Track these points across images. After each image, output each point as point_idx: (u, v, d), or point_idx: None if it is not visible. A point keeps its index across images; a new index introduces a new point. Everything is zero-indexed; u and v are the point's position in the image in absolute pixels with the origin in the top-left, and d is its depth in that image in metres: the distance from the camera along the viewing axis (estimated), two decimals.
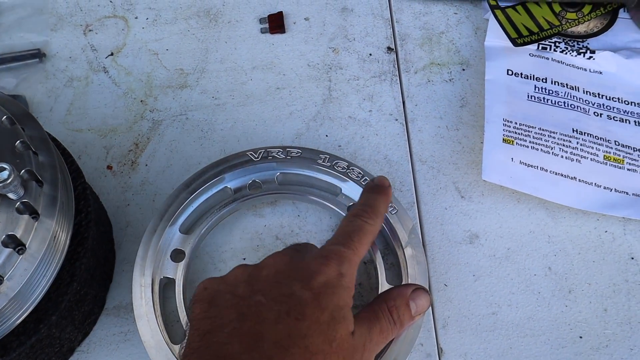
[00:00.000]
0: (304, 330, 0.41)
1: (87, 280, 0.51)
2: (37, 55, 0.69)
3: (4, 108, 0.48)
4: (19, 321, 0.45)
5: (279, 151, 0.60)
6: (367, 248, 0.47)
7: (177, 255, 0.57)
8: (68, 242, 0.48)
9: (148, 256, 0.55)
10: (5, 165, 0.42)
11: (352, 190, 0.59)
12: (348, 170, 0.60)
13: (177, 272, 0.56)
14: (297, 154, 0.60)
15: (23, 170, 0.44)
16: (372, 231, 0.48)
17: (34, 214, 0.44)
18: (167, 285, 0.57)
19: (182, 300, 0.55)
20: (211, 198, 0.59)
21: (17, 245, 0.43)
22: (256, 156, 0.60)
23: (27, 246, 0.43)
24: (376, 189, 0.51)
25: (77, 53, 0.71)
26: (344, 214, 0.58)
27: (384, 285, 0.55)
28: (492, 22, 0.71)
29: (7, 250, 0.43)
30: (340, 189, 0.60)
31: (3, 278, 0.43)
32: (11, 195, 0.43)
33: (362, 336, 0.44)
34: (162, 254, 0.56)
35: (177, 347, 0.52)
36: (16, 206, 0.43)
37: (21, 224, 0.43)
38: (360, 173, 0.59)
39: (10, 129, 0.46)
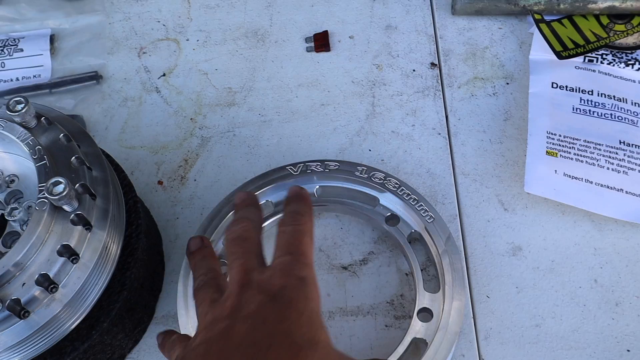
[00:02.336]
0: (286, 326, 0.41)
1: (137, 289, 0.54)
2: (95, 77, 0.73)
3: (61, 126, 0.51)
4: (72, 327, 0.47)
5: (318, 165, 0.62)
6: (311, 247, 0.47)
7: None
8: (119, 252, 0.50)
9: None
10: (61, 179, 0.45)
11: (390, 201, 0.60)
12: (385, 181, 0.60)
13: None
14: (335, 167, 0.62)
15: (77, 184, 0.47)
16: (306, 231, 0.48)
17: (87, 226, 0.47)
18: None
19: None
20: None
21: (71, 254, 0.45)
22: (295, 170, 0.61)
23: (80, 255, 0.46)
24: (292, 199, 0.51)
25: (132, 74, 0.74)
26: (384, 225, 0.59)
27: (422, 294, 0.56)
28: (537, 35, 0.71)
29: (62, 259, 0.45)
30: (378, 200, 0.60)
31: (58, 285, 0.45)
32: (66, 207, 0.46)
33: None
34: None
35: None
36: (70, 218, 0.46)
37: (75, 234, 0.46)
38: (397, 184, 0.60)
39: (66, 145, 0.49)
